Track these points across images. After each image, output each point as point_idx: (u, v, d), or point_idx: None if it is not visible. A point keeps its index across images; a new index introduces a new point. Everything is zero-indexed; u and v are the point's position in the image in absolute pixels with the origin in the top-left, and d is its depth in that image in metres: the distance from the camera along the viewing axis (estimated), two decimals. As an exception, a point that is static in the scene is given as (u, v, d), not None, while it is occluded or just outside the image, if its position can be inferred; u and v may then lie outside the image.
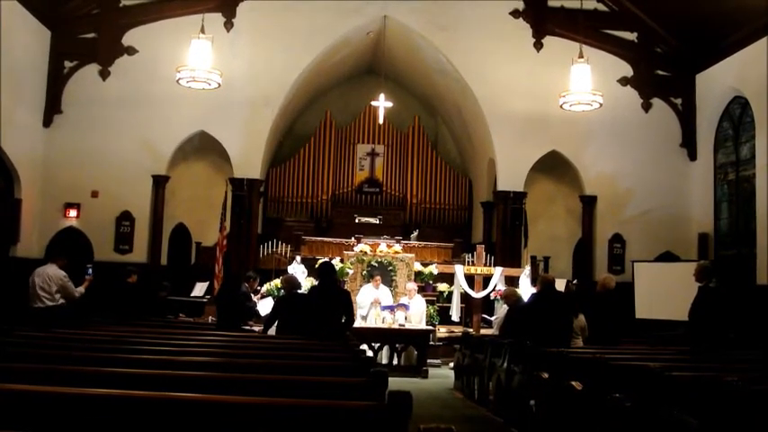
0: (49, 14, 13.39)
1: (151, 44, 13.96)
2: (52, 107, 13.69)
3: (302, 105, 17.31)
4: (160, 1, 14.09)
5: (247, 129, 14.32)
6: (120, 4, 14.03)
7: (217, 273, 13.27)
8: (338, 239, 15.21)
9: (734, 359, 6.44)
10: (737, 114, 13.47)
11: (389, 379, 3.95)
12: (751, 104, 12.63)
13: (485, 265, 13.29)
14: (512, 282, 12.88)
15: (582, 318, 8.36)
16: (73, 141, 13.66)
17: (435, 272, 13.52)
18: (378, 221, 16.96)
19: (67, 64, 13.86)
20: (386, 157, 17.82)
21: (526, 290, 12.03)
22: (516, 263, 13.97)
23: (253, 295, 10.17)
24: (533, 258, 14.46)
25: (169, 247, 15.01)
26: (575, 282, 13.66)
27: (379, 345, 11.03)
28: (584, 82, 11.19)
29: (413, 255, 13.44)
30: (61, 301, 9.18)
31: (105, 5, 13.96)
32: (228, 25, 14.07)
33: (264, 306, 10.64)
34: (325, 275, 7.84)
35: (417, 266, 13.31)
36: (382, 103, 14.49)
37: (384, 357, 11.16)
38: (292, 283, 8.74)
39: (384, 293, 11.90)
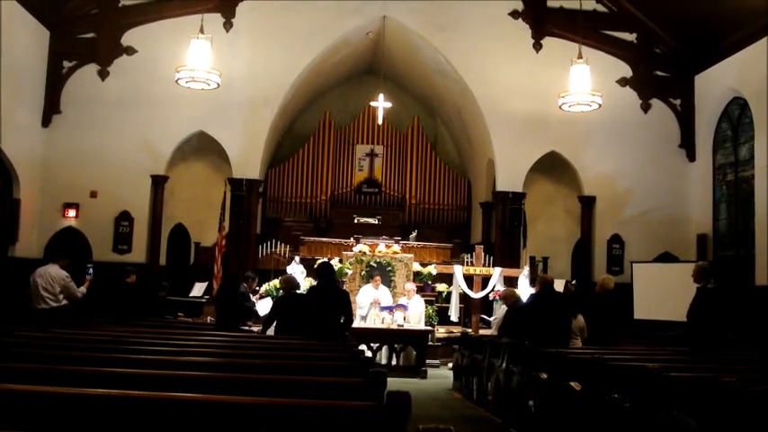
0: (49, 14, 13.39)
1: (150, 44, 13.96)
2: (51, 107, 13.68)
3: (301, 106, 17.31)
4: (159, 1, 14.09)
5: (246, 129, 14.32)
6: (120, 5, 14.03)
7: (216, 273, 13.28)
8: (337, 240, 15.20)
9: (732, 360, 6.45)
10: (736, 115, 13.48)
11: (388, 379, 3.95)
12: (750, 105, 12.64)
13: (484, 265, 13.29)
14: (511, 282, 12.89)
15: (581, 318, 8.36)
16: (72, 141, 13.65)
17: (434, 272, 13.52)
18: (377, 222, 16.96)
19: (66, 64, 13.86)
20: (385, 158, 17.82)
21: (525, 290, 12.02)
22: (515, 263, 13.98)
23: (251, 295, 10.17)
24: (532, 259, 14.47)
25: (168, 248, 15.02)
26: (573, 282, 13.68)
27: (377, 345, 11.03)
28: (583, 82, 11.19)
29: (412, 255, 13.44)
30: (64, 301, 9.17)
31: (104, 6, 13.95)
32: (228, 25, 14.07)
33: (263, 306, 10.64)
34: (324, 276, 7.84)
35: (416, 267, 13.32)
36: (381, 104, 14.49)
37: (383, 358, 11.16)
38: (291, 284, 8.74)
39: (384, 294, 11.90)
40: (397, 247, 13.35)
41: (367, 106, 16.83)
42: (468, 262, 13.82)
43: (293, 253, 14.21)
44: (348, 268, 12.79)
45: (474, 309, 12.90)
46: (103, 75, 13.93)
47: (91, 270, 10.10)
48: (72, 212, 13.67)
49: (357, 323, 11.01)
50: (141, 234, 13.95)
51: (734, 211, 13.33)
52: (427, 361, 11.14)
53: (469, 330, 12.38)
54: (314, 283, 10.42)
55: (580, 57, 11.27)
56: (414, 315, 11.53)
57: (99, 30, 13.98)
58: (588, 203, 14.80)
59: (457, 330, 12.69)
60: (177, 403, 3.27)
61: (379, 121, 15.63)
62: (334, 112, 17.98)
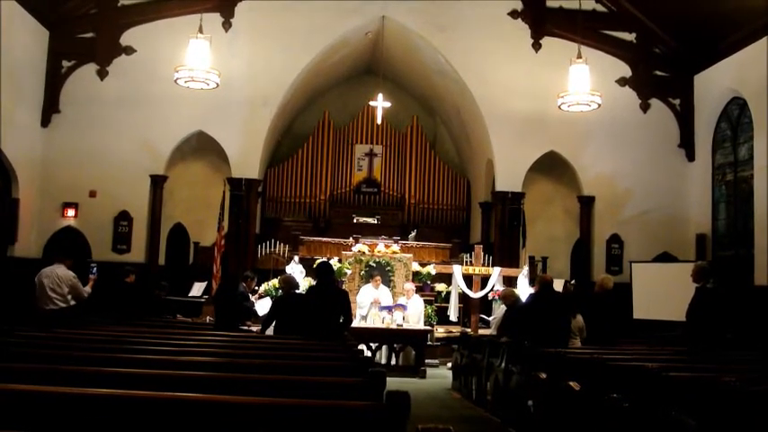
0: (48, 14, 13.39)
1: (149, 44, 13.96)
2: (50, 107, 13.69)
3: (301, 105, 17.31)
4: (158, 1, 14.09)
5: (246, 129, 14.32)
6: (119, 4, 14.04)
7: (215, 273, 13.29)
8: (336, 239, 15.20)
9: (732, 360, 6.45)
10: (736, 115, 13.49)
11: (387, 379, 3.95)
12: (749, 105, 12.65)
13: (483, 265, 13.29)
14: (510, 282, 12.90)
15: (580, 318, 8.36)
16: (71, 141, 13.65)
17: (433, 272, 13.52)
18: (376, 221, 16.96)
19: (66, 64, 13.86)
20: (384, 158, 17.83)
21: (524, 290, 12.03)
22: (514, 263, 13.98)
23: (250, 295, 10.17)
24: (531, 259, 14.48)
25: (167, 247, 15.03)
26: (573, 282, 13.69)
27: (377, 345, 11.03)
28: (582, 82, 11.19)
29: (411, 255, 13.43)
30: (73, 302, 9.16)
31: (103, 5, 13.95)
32: (227, 25, 14.07)
33: (262, 306, 10.64)
34: (323, 275, 7.84)
35: (415, 266, 13.31)
36: (381, 104, 14.49)
37: (383, 357, 11.17)
38: (290, 283, 8.73)
39: (384, 293, 11.90)
40: (396, 247, 13.34)
41: (366, 106, 16.82)
42: (467, 262, 13.82)
43: (292, 253, 14.20)
44: (347, 268, 12.79)
45: (473, 308, 12.91)
46: (102, 74, 13.94)
47: (95, 270, 10.11)
48: (71, 212, 13.67)
49: (358, 323, 11.03)
50: (140, 234, 13.96)
51: (733, 211, 13.34)
52: (426, 361, 11.14)
53: (469, 330, 12.38)
54: (313, 282, 10.43)
55: (579, 56, 11.28)
56: (413, 315, 11.52)
57: (98, 29, 13.99)
58: (587, 203, 14.81)
59: (456, 330, 12.69)
60: (177, 403, 3.27)
61: (379, 121, 15.63)
62: (333, 111, 17.98)
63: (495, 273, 12.94)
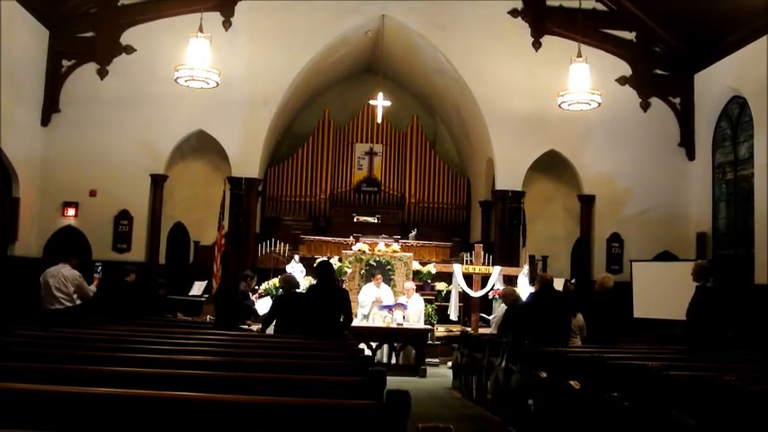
0: (48, 14, 13.38)
1: (149, 43, 13.96)
2: (50, 106, 13.68)
3: (301, 104, 17.31)
4: (158, 0, 14.08)
5: (246, 128, 14.32)
6: (119, 4, 14.03)
7: (215, 272, 13.30)
8: (336, 239, 15.21)
9: (732, 359, 6.45)
10: (736, 114, 13.48)
11: (388, 378, 3.95)
12: (749, 104, 12.65)
13: (483, 264, 13.29)
14: (510, 281, 12.90)
15: (580, 317, 8.36)
16: (71, 140, 13.65)
17: (433, 271, 13.53)
18: (376, 221, 16.96)
19: (66, 63, 13.86)
20: (384, 157, 17.82)
21: (524, 289, 12.04)
22: (515, 262, 13.99)
23: (251, 294, 10.17)
24: (532, 258, 14.48)
25: (167, 247, 15.03)
26: (573, 281, 13.70)
27: (377, 344, 11.03)
28: (582, 81, 11.19)
29: (411, 254, 13.43)
30: (78, 301, 9.16)
31: (103, 4, 13.95)
32: (227, 24, 14.07)
33: (263, 305, 10.64)
34: (324, 274, 7.84)
35: (416, 265, 13.32)
36: (381, 103, 14.49)
37: (384, 356, 11.17)
38: (290, 283, 8.73)
39: (386, 292, 11.91)
40: (396, 246, 13.35)
41: (366, 105, 16.82)
42: (467, 261, 13.82)
43: (292, 252, 14.21)
44: (347, 267, 12.79)
45: (473, 307, 12.91)
46: (103, 74, 13.93)
47: (100, 269, 10.14)
48: (71, 211, 13.67)
49: (359, 322, 11.04)
50: (141, 233, 13.96)
51: (733, 210, 13.34)
52: (427, 360, 11.14)
53: (469, 329, 12.38)
54: (313, 281, 10.43)
55: (579, 55, 11.27)
56: (413, 314, 11.52)
57: (98, 29, 13.98)
58: (588, 202, 14.81)
59: (456, 329, 12.69)
60: (177, 402, 3.27)
61: (379, 120, 15.65)
62: (333, 110, 17.97)
63: (496, 272, 12.95)
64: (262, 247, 14.92)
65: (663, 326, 11.59)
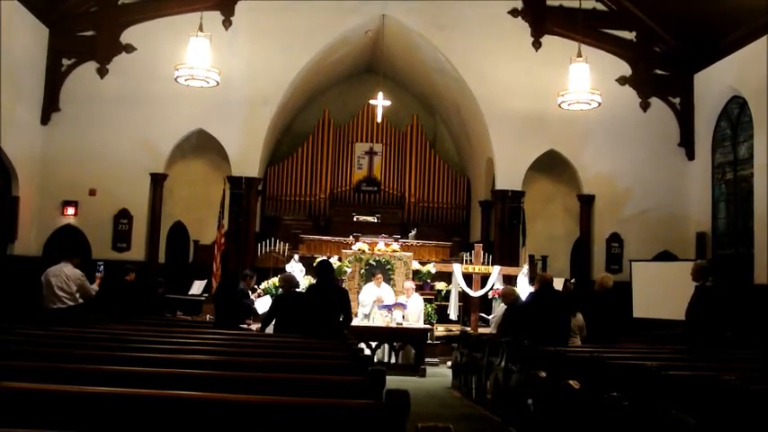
0: (48, 12, 13.38)
1: (149, 42, 13.95)
2: (50, 105, 13.68)
3: (301, 104, 17.30)
4: (158, -1, 14.09)
5: (246, 127, 14.32)
6: (119, 2, 14.03)
7: (215, 271, 13.30)
8: (336, 238, 15.20)
9: (731, 358, 6.45)
10: (735, 114, 13.49)
11: (387, 378, 3.95)
12: (749, 104, 12.65)
13: (483, 263, 13.29)
14: (510, 281, 12.90)
15: (580, 317, 8.37)
16: (71, 139, 13.65)
17: (433, 270, 13.53)
18: (376, 220, 16.94)
19: (65, 62, 13.84)
20: (384, 156, 17.81)
21: (524, 289, 12.04)
22: (514, 262, 13.98)
23: (250, 293, 10.17)
24: (531, 257, 14.48)
25: (167, 246, 15.02)
26: (572, 281, 13.70)
27: (377, 343, 11.03)
28: (582, 81, 11.19)
29: (411, 253, 13.44)
30: (81, 300, 9.16)
31: (103, 3, 13.94)
32: (227, 24, 14.06)
33: (262, 304, 10.64)
34: (323, 274, 7.84)
35: (415, 265, 13.32)
36: (381, 102, 14.49)
37: (385, 356, 11.17)
38: (290, 282, 8.73)
39: (387, 292, 11.91)
40: (396, 246, 13.36)
41: (366, 104, 16.82)
42: (467, 260, 13.81)
43: (292, 251, 14.21)
44: (347, 266, 12.80)
45: (473, 307, 12.91)
46: (102, 72, 13.93)
47: (101, 268, 10.14)
48: (71, 210, 13.66)
49: (360, 321, 11.05)
50: (140, 232, 13.95)
51: (733, 210, 13.35)
52: (426, 359, 11.14)
53: (468, 329, 12.38)
54: (313, 281, 10.43)
55: (579, 55, 11.28)
56: (413, 313, 11.53)
57: (98, 27, 13.97)
58: (587, 202, 14.81)
59: (456, 329, 12.70)
60: (177, 401, 3.27)
61: (379, 120, 15.64)
62: (333, 110, 17.96)
63: (495, 271, 12.94)
64: (261, 246, 14.91)
65: (662, 326, 11.59)
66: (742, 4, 11.89)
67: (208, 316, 11.37)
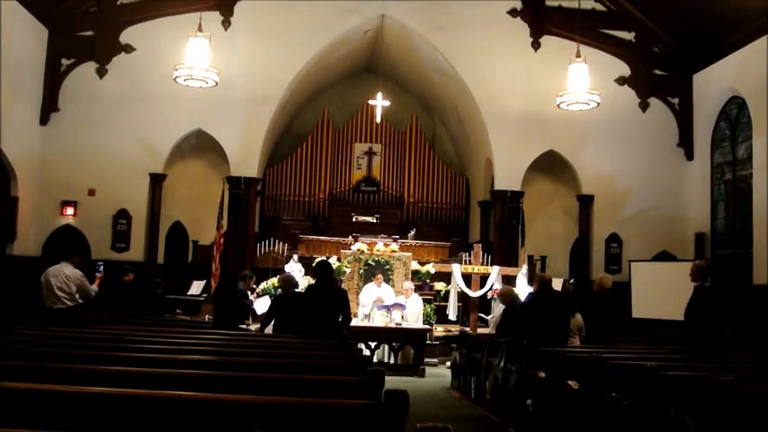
0: (47, 12, 13.35)
1: (149, 42, 13.95)
2: (49, 105, 13.67)
3: (300, 104, 17.30)
4: (158, -1, 14.09)
5: (245, 127, 14.32)
6: (118, 2, 14.01)
7: (214, 271, 13.30)
8: (335, 238, 15.21)
9: (730, 358, 6.46)
10: (734, 114, 13.49)
11: (386, 378, 3.95)
12: (748, 104, 12.66)
13: (482, 264, 13.29)
14: (509, 281, 12.91)
15: (579, 317, 8.37)
16: (70, 139, 13.64)
17: (432, 271, 13.53)
18: (375, 220, 16.94)
19: (65, 62, 13.83)
20: (383, 156, 17.82)
21: (523, 289, 12.04)
22: (513, 262, 13.99)
23: (249, 294, 10.17)
24: (530, 258, 14.46)
25: (166, 246, 15.02)
26: (571, 281, 13.71)
27: (376, 343, 11.03)
28: (581, 81, 11.19)
29: (410, 254, 13.44)
30: (80, 300, 9.15)
31: (103, 3, 13.92)
32: (226, 24, 14.05)
33: (261, 305, 10.64)
34: (322, 274, 7.84)
35: (414, 265, 13.32)
36: (380, 102, 14.50)
37: (384, 356, 11.17)
38: (289, 282, 8.73)
39: (387, 292, 11.90)
40: (395, 246, 13.35)
41: (365, 105, 16.82)
42: (466, 261, 13.81)
43: (291, 251, 14.21)
44: (346, 267, 12.80)
45: (472, 307, 12.92)
46: (102, 73, 13.92)
47: (101, 268, 10.13)
48: (70, 210, 13.66)
49: (361, 322, 11.04)
50: (139, 232, 13.95)
51: (732, 210, 13.35)
52: (425, 359, 11.14)
53: (467, 329, 12.39)
54: (312, 281, 10.43)
55: (578, 55, 11.27)
56: (412, 314, 11.53)
57: (97, 27, 13.96)
58: (586, 202, 14.81)
59: (455, 329, 12.70)
60: (175, 401, 3.27)
61: (378, 120, 15.65)
62: (332, 110, 17.96)
63: (494, 272, 12.95)
64: (260, 246, 14.91)
65: (661, 326, 11.58)
66: (741, 5, 11.90)
67: (207, 316, 11.36)
